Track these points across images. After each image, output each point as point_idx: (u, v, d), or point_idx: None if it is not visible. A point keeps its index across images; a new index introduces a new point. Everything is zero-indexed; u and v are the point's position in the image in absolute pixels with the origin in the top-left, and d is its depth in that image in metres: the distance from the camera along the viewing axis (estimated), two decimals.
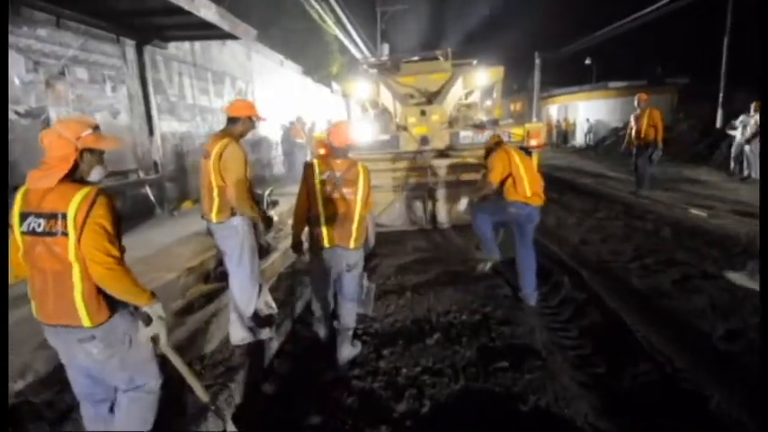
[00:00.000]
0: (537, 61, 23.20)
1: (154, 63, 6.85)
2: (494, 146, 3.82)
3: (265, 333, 3.23)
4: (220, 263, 4.29)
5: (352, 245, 2.82)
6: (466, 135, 5.54)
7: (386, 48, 22.06)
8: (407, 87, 6.40)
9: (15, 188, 1.75)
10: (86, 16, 4.97)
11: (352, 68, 16.43)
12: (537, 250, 3.86)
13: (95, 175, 1.81)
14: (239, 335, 3.12)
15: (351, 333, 3.00)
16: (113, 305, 1.78)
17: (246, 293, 3.08)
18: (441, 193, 5.92)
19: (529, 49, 24.17)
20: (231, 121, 2.88)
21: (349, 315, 2.98)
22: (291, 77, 14.44)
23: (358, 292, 3.04)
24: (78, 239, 1.64)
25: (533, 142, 5.29)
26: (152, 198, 6.32)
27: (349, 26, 16.68)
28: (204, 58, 8.54)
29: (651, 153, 7.59)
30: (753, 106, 8.78)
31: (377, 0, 22.90)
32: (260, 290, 3.22)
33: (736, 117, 9.48)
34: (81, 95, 5.08)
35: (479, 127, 5.80)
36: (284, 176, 11.23)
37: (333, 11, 15.20)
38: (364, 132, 5.66)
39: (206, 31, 5.78)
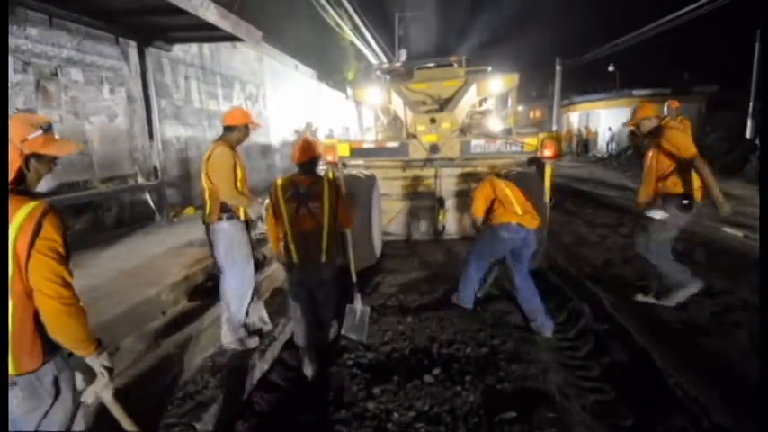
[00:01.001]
0: (558, 68, 22.62)
1: (159, 66, 6.69)
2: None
3: (253, 341, 3.22)
4: (209, 278, 4.03)
5: (323, 258, 2.77)
6: (477, 144, 5.29)
7: (403, 53, 21.71)
8: (419, 94, 6.20)
9: None
10: (80, 15, 4.79)
11: (368, 74, 16.20)
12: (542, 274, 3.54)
13: (44, 185, 1.52)
14: (228, 338, 3.16)
15: (318, 350, 2.97)
16: (49, 349, 1.45)
17: (236, 298, 3.11)
18: (450, 203, 5.76)
19: (549, 55, 23.63)
20: (227, 129, 3.01)
21: (323, 332, 2.97)
22: (306, 82, 14.29)
23: (334, 308, 3.05)
24: (23, 268, 1.33)
25: (547, 153, 4.99)
26: (151, 204, 6.12)
27: (366, 32, 16.48)
28: (213, 61, 8.38)
29: None
30: None
31: (395, 6, 22.74)
32: (252, 299, 3.24)
33: None
34: (75, 98, 4.90)
35: (491, 136, 5.54)
36: None
37: (350, 17, 15.02)
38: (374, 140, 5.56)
39: (208, 32, 5.55)
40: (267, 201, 4.19)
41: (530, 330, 3.35)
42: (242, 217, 3.05)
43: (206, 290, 3.84)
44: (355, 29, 15.61)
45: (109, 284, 3.66)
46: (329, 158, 5.22)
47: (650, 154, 3.47)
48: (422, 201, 5.89)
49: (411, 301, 4.00)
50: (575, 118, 28.27)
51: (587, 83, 28.18)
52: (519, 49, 31.19)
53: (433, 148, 5.30)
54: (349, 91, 18.12)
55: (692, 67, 25.53)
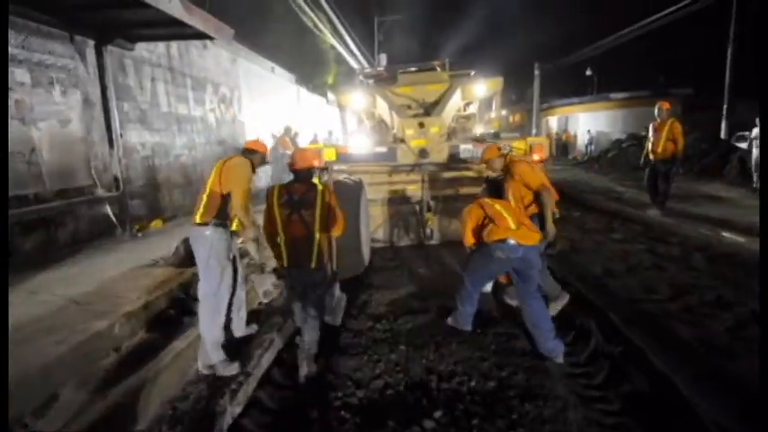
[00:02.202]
0: (536, 72, 22.72)
1: (121, 66, 6.15)
2: None
3: (232, 368, 2.86)
4: (173, 303, 3.56)
5: (312, 265, 2.86)
6: (466, 148, 5.24)
7: (383, 58, 21.61)
8: (404, 98, 6.05)
9: None
10: (28, 9, 4.26)
11: (349, 78, 15.84)
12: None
13: None
14: (206, 361, 2.89)
15: (312, 353, 2.91)
16: None
17: (209, 312, 2.86)
18: (440, 208, 5.61)
19: (528, 60, 23.75)
20: (249, 152, 3.03)
21: (310, 334, 2.92)
22: (283, 86, 13.81)
23: (321, 311, 3.05)
24: None
25: (536, 157, 4.94)
26: (113, 218, 5.56)
27: (346, 36, 16.16)
28: (182, 62, 7.85)
29: (668, 170, 6.88)
30: None
31: (375, 10, 22.51)
32: (229, 315, 3.05)
33: (742, 129, 8.85)
34: (20, 101, 4.34)
35: (480, 140, 5.33)
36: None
37: (330, 20, 14.66)
38: (361, 145, 5.47)
39: (175, 28, 5.07)
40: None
41: (538, 356, 2.99)
42: (232, 227, 2.98)
43: (167, 319, 3.36)
44: (335, 32, 15.25)
45: (55, 316, 3.15)
46: (315, 163, 4.97)
47: (509, 186, 3.62)
48: (409, 206, 5.77)
49: (403, 324, 3.61)
50: (554, 121, 28.52)
51: (566, 87, 28.53)
52: (498, 54, 31.32)
53: (422, 153, 5.13)
54: (330, 95, 17.74)
55: (667, 70, 26.12)
